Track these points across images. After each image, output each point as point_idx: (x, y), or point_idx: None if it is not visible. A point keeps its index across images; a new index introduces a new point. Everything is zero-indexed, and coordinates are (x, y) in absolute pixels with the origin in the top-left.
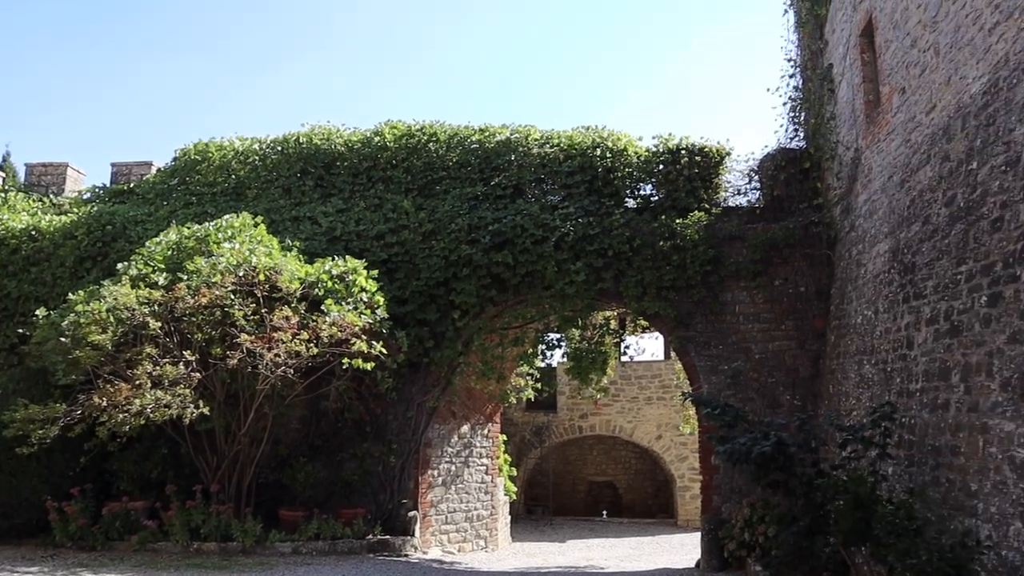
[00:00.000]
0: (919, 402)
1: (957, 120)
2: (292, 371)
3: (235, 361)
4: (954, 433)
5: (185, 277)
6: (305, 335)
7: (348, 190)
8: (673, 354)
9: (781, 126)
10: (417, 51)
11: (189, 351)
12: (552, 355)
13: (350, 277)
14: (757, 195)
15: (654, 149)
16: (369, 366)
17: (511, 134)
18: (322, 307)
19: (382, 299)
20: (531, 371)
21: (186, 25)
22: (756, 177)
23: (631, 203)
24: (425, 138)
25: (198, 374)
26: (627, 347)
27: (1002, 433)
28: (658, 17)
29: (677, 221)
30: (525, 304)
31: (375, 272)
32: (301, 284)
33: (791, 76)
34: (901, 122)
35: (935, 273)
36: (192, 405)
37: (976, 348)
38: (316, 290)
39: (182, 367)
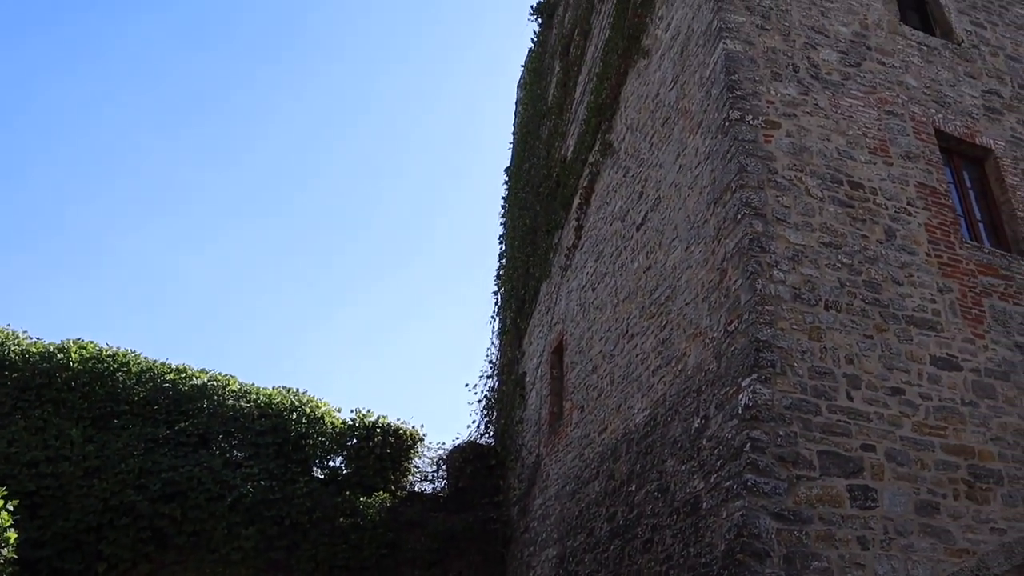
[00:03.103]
0: None
1: (623, 444)
2: None
3: None
4: None
5: None
6: None
7: (9, 404)
8: None
9: (474, 421)
10: (153, 278)
11: None
12: None
13: None
14: (443, 484)
15: (350, 422)
16: None
17: (209, 380)
18: None
19: (14, 535)
20: None
21: None
22: (444, 466)
23: (319, 473)
24: (115, 366)
25: None
26: None
27: None
28: (378, 298)
29: (361, 499)
30: (184, 566)
31: (14, 503)
32: None
33: (490, 377)
34: (578, 437)
35: None
36: None
37: None
38: None
39: None
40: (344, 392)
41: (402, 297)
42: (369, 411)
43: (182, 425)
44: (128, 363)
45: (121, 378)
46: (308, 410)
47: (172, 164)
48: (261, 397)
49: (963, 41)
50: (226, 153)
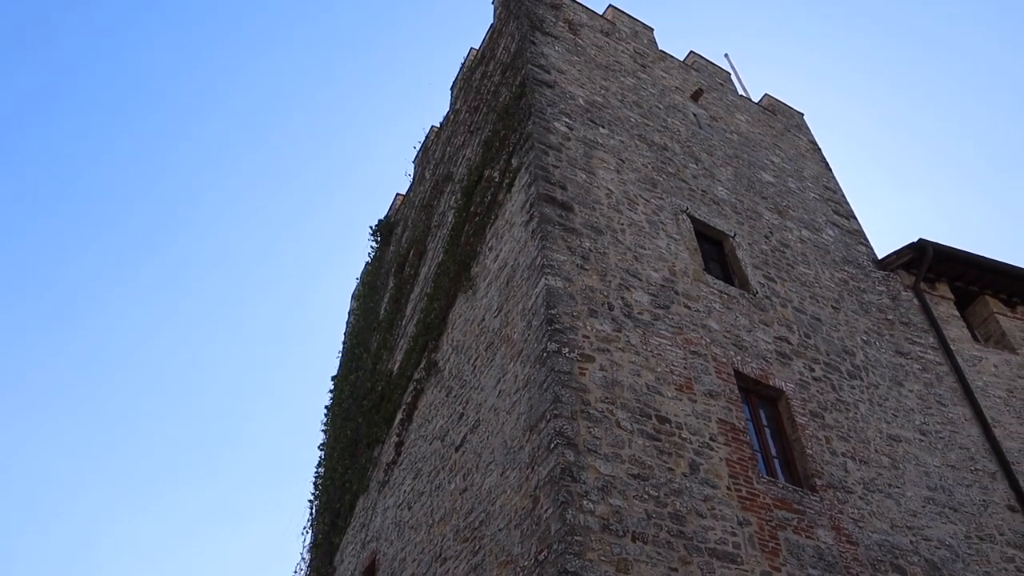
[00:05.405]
0: None
1: None
2: None
3: None
4: None
5: None
6: None
7: None
8: None
9: None
10: None
11: None
12: None
13: None
14: None
15: None
16: None
17: None
18: None
19: None
20: None
21: None
22: None
23: None
24: None
25: None
26: None
27: None
28: (182, 504)
29: None
30: None
31: None
32: None
33: None
34: None
35: None
36: None
37: None
38: None
39: None
40: None
41: (208, 504)
42: None
43: None
44: None
45: None
46: None
47: None
48: None
49: (757, 292)
50: (38, 340)
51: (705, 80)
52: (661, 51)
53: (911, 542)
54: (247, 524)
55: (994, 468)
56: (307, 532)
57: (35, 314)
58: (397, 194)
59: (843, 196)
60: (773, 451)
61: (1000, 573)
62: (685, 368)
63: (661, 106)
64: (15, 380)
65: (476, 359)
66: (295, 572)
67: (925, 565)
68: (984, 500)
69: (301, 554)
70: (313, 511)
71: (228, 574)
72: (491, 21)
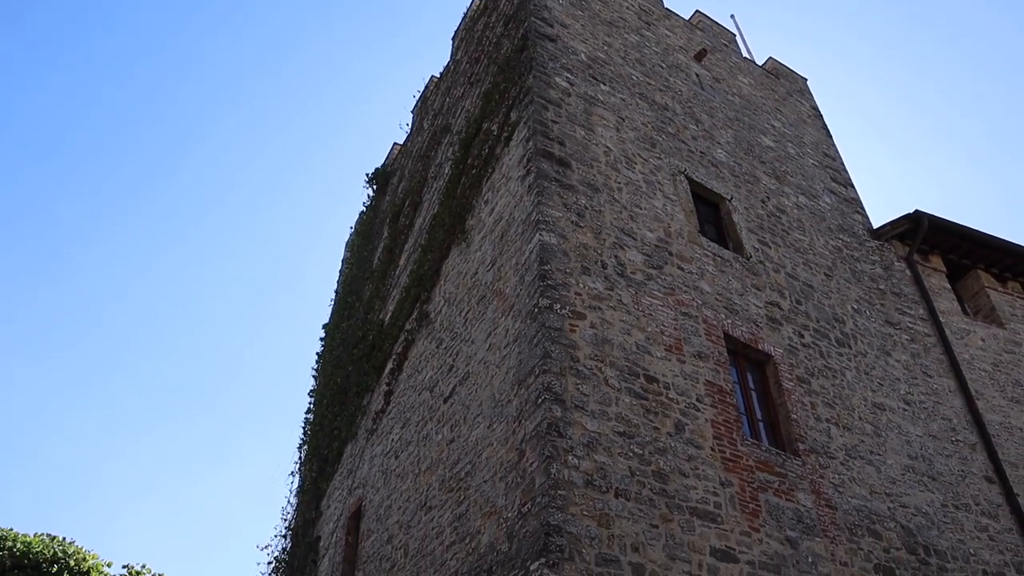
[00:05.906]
0: None
1: None
2: None
3: None
4: None
5: None
6: None
7: None
8: None
9: None
10: None
11: None
12: None
13: None
14: None
15: None
16: None
17: None
18: None
19: None
20: None
21: None
22: None
23: None
24: None
25: None
26: None
27: None
28: (171, 444)
29: None
30: None
31: None
32: None
33: (283, 537)
34: None
35: None
36: None
37: None
38: None
39: None
40: (129, 544)
41: (197, 444)
42: (144, 566)
43: None
44: None
45: None
46: (73, 562)
47: None
48: (18, 545)
49: (751, 256)
50: (17, 290)
51: (709, 41)
52: (666, 9)
53: (888, 508)
54: (235, 465)
55: (974, 440)
56: (295, 476)
57: (30, 249)
58: (394, 143)
59: (842, 164)
60: (759, 414)
61: (973, 541)
62: (675, 329)
63: (664, 65)
64: (12, 314)
65: (468, 312)
66: (282, 515)
67: (901, 531)
68: (962, 470)
69: (288, 498)
70: (301, 456)
71: (216, 512)
72: None
